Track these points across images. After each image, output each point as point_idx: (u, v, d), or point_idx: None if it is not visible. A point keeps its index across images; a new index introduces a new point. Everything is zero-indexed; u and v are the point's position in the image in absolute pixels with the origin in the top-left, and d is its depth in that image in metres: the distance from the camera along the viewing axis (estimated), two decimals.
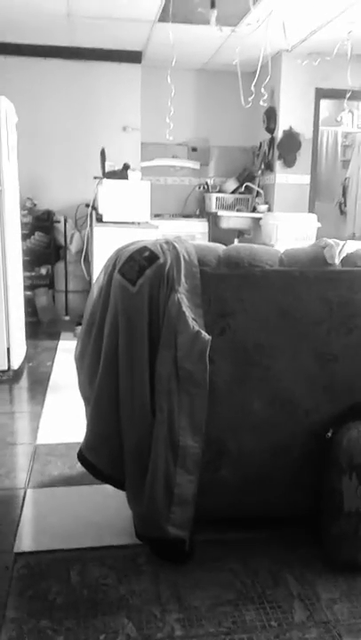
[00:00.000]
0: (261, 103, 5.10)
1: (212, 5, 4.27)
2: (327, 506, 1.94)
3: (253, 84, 4.85)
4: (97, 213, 4.79)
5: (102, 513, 2.26)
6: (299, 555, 2.01)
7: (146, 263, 1.83)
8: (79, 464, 2.12)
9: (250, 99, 4.78)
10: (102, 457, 2.02)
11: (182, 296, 1.82)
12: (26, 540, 2.09)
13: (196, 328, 1.81)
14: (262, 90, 4.85)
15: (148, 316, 1.83)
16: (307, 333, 1.94)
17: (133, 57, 5.81)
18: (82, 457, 2.07)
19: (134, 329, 1.83)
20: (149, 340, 1.84)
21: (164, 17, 4.62)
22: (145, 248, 1.87)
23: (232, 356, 1.91)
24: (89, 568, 1.92)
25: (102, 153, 4.95)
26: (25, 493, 2.41)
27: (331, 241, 1.98)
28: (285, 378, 1.95)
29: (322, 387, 1.98)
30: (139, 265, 1.83)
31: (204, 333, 1.82)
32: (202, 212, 6.45)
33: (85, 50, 5.71)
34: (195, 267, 1.86)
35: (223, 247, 1.98)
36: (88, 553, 2.00)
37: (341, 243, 1.97)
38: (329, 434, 1.95)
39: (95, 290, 2.03)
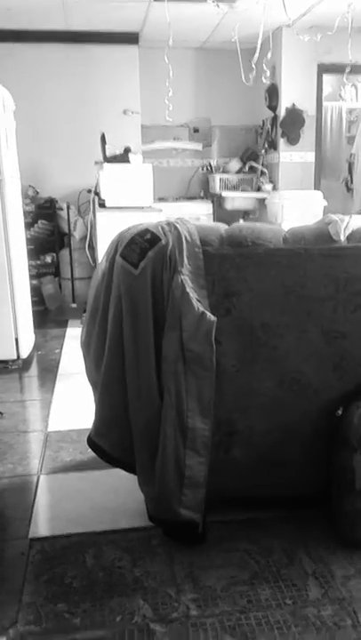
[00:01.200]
0: (263, 80, 5.01)
1: None
2: (339, 484, 1.93)
3: (254, 61, 4.77)
4: (99, 199, 4.77)
5: (115, 496, 2.28)
6: (312, 533, 2.02)
7: (147, 245, 1.82)
8: (90, 449, 2.13)
9: (251, 76, 4.71)
10: (112, 441, 2.02)
11: (186, 277, 1.80)
12: (40, 526, 2.11)
13: (201, 309, 1.80)
14: (264, 66, 4.77)
15: (151, 299, 1.81)
16: (313, 311, 1.92)
17: (130, 38, 5.72)
18: (92, 442, 2.08)
19: (138, 312, 1.82)
20: (154, 323, 1.83)
21: None
22: (146, 230, 1.85)
23: (238, 337, 1.90)
24: (104, 551, 1.93)
25: (102, 137, 4.91)
26: (38, 479, 2.42)
27: (335, 217, 1.96)
28: (293, 357, 1.94)
29: (331, 365, 1.96)
30: (140, 247, 1.82)
31: (209, 314, 1.80)
32: (206, 193, 6.39)
33: (82, 33, 5.63)
34: (197, 247, 1.85)
35: (225, 226, 1.96)
36: (102, 536, 2.02)
37: (346, 219, 1.94)
38: (339, 412, 1.94)
39: (98, 274, 2.02)
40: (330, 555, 1.91)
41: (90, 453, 2.31)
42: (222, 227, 1.94)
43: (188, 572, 1.83)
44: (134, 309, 1.82)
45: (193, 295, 1.79)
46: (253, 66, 4.75)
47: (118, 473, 2.15)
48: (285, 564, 1.87)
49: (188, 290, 1.78)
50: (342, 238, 1.91)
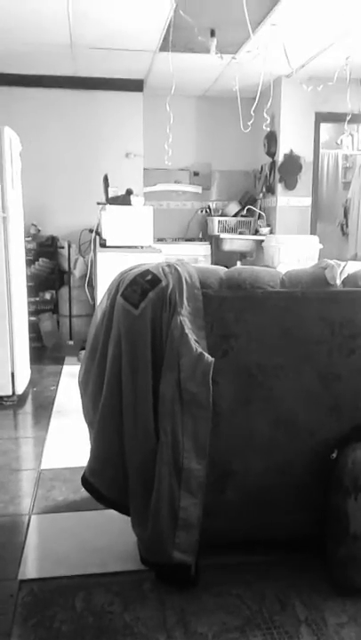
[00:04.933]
0: (264, 127, 5.17)
1: (212, 34, 4.37)
2: (333, 528, 1.91)
3: (253, 109, 4.93)
4: (100, 238, 4.84)
5: (107, 538, 2.24)
6: (305, 578, 1.99)
7: (148, 286, 1.85)
8: (83, 489, 2.11)
9: (249, 123, 4.85)
10: (106, 481, 2.01)
11: (185, 318, 1.83)
12: (30, 567, 2.07)
13: (199, 350, 1.82)
14: (264, 114, 4.92)
15: (150, 339, 1.83)
16: (309, 354, 1.94)
17: (135, 85, 5.92)
18: (86, 481, 2.06)
19: (137, 352, 1.84)
20: (152, 363, 1.84)
21: (165, 46, 4.72)
22: (147, 271, 1.89)
23: (235, 378, 1.91)
24: (94, 595, 1.90)
25: (105, 179, 5.01)
26: (29, 519, 2.39)
27: (332, 262, 2.00)
28: (289, 398, 1.95)
29: (326, 407, 1.97)
30: (141, 288, 1.85)
31: (207, 355, 1.82)
32: (204, 235, 6.50)
33: (88, 79, 5.82)
34: (197, 289, 1.88)
35: (225, 269, 1.99)
36: (93, 579, 1.98)
37: (342, 263, 1.98)
38: (334, 455, 1.94)
39: (98, 314, 2.04)
40: (323, 601, 1.88)
41: (82, 493, 2.29)
42: (222, 269, 1.98)
43: (180, 618, 1.79)
44: (133, 349, 1.83)
45: (191, 336, 1.82)
46: (253, 114, 4.91)
47: (111, 514, 2.13)
48: (278, 610, 1.84)
49: (186, 331, 1.81)
50: (338, 282, 1.94)
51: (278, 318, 1.92)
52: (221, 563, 2.05)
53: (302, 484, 2.01)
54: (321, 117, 5.95)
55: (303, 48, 4.78)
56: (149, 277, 1.86)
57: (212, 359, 1.82)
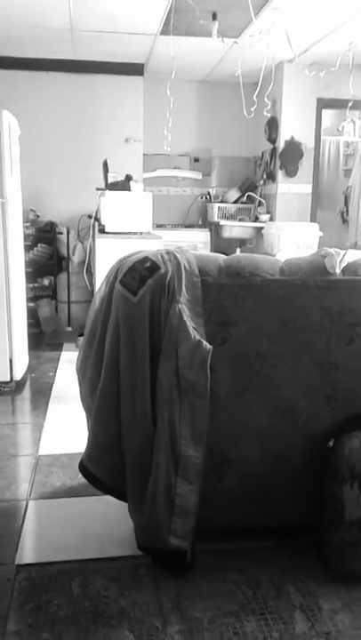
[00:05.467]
0: (265, 113, 5.12)
1: (214, 18, 4.31)
2: (328, 515, 1.92)
3: (256, 94, 4.88)
4: (99, 224, 4.81)
5: (104, 524, 2.26)
6: (301, 565, 2.00)
7: (147, 273, 1.84)
8: (81, 475, 2.12)
9: (252, 109, 4.81)
10: (103, 468, 2.01)
11: (183, 306, 1.82)
12: (27, 552, 2.09)
13: (197, 337, 1.81)
14: (265, 100, 4.88)
15: (149, 326, 1.83)
16: (308, 342, 1.94)
17: (136, 69, 5.85)
18: (83, 468, 2.07)
19: (135, 339, 1.83)
20: (151, 350, 1.84)
21: (165, 30, 4.66)
22: (146, 258, 1.88)
23: (233, 366, 1.91)
24: (90, 580, 1.91)
25: (105, 164, 4.97)
26: (27, 505, 2.40)
27: (331, 250, 1.99)
28: (287, 387, 1.95)
29: (323, 396, 1.98)
30: (140, 275, 1.84)
31: (205, 343, 1.82)
32: (204, 221, 6.47)
33: (88, 63, 5.76)
34: (196, 276, 1.87)
35: (224, 257, 1.98)
36: (89, 564, 2.00)
37: (342, 252, 1.97)
38: (330, 443, 1.95)
39: (97, 300, 2.03)
40: (318, 587, 1.89)
41: (80, 479, 2.30)
42: (221, 257, 1.97)
43: (175, 603, 1.81)
44: (131, 336, 1.83)
45: (190, 324, 1.81)
46: (255, 99, 4.86)
47: (108, 500, 2.14)
48: (273, 595, 1.85)
49: (185, 318, 1.80)
50: (338, 271, 1.93)
51: (277, 306, 1.91)
52: (217, 549, 2.07)
53: (299, 471, 2.02)
54: (323, 103, 5.90)
55: (306, 33, 4.73)
56: (148, 264, 1.85)
57: (211, 347, 1.82)
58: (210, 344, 1.83)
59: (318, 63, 5.37)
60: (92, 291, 5.31)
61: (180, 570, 1.93)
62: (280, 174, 5.94)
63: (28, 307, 4.54)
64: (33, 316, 5.45)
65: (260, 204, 6.23)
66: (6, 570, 1.96)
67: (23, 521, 2.28)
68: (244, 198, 6.30)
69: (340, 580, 1.92)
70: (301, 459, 2.01)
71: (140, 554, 2.01)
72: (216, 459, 1.96)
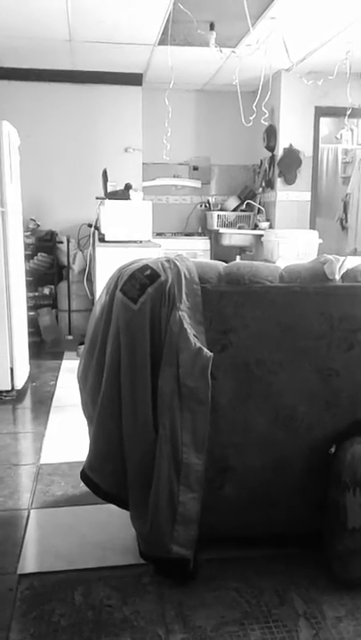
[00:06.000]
0: (263, 122, 5.15)
1: (211, 28, 4.34)
2: (331, 522, 1.92)
3: (255, 104, 4.91)
4: (99, 233, 4.83)
5: (106, 533, 2.25)
6: (304, 572, 1.99)
7: (147, 281, 1.85)
8: (82, 483, 2.12)
9: (251, 118, 4.84)
10: (105, 476, 2.01)
11: (184, 313, 1.83)
12: (30, 562, 2.08)
13: (198, 345, 1.82)
14: (263, 108, 4.91)
15: (149, 334, 1.83)
16: (308, 349, 1.94)
17: (134, 79, 5.89)
18: (85, 476, 2.07)
19: (136, 347, 1.84)
20: (151, 358, 1.84)
21: (163, 40, 4.70)
22: (146, 266, 1.89)
23: (234, 373, 1.91)
24: (93, 589, 1.91)
25: (104, 174, 5.00)
26: (29, 514, 2.40)
27: (331, 257, 2.00)
28: (287, 393, 1.95)
29: (324, 402, 1.98)
30: (140, 283, 1.85)
31: (205, 350, 1.82)
32: (203, 229, 6.49)
33: (87, 73, 5.79)
34: (196, 284, 1.88)
35: (224, 264, 1.99)
36: (92, 573, 1.99)
37: (341, 258, 1.98)
38: (332, 449, 1.95)
39: (97, 309, 2.04)
40: (321, 595, 1.89)
41: (81, 488, 2.29)
42: (221, 264, 1.98)
43: (178, 612, 1.80)
44: (132, 344, 1.83)
45: (190, 331, 1.81)
46: (254, 108, 4.89)
47: (110, 508, 2.14)
48: (276, 603, 1.84)
49: (185, 325, 1.80)
50: (337, 277, 1.94)
51: (277, 313, 1.92)
52: (220, 557, 2.06)
53: (300, 478, 2.01)
54: (321, 111, 5.93)
55: (303, 41, 4.76)
56: (148, 272, 1.86)
57: (211, 354, 1.82)
58: (210, 351, 1.83)
59: (316, 72, 5.41)
60: (93, 299, 5.31)
61: (183, 578, 1.92)
62: (279, 182, 5.96)
63: (28, 316, 4.55)
64: (33, 324, 5.45)
65: (259, 211, 6.25)
66: (9, 579, 1.95)
67: (25, 530, 2.28)
68: (244, 206, 6.33)
69: (343, 587, 1.91)
70: (303, 465, 2.01)
71: (143, 562, 2.00)
72: (217, 466, 1.96)
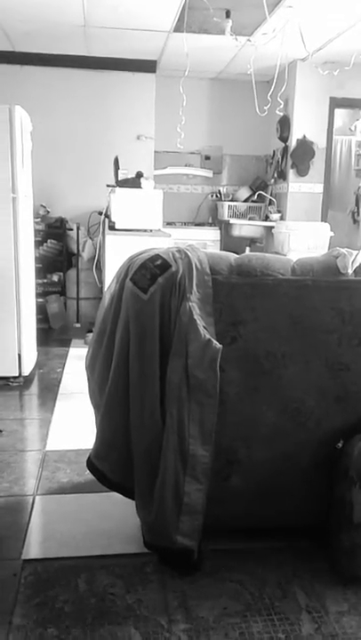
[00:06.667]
0: (278, 112, 5.10)
1: (227, 15, 4.29)
2: (337, 517, 1.91)
3: (269, 93, 4.86)
4: (109, 221, 4.81)
5: (111, 521, 2.26)
6: (308, 566, 1.99)
7: (158, 271, 1.83)
8: (88, 471, 2.12)
9: (265, 107, 4.79)
10: (112, 465, 2.01)
11: (194, 304, 1.82)
12: (34, 548, 2.09)
13: (207, 336, 1.81)
14: (278, 99, 4.86)
15: (159, 324, 1.82)
16: (318, 343, 1.93)
17: (148, 66, 5.84)
18: (91, 465, 2.07)
19: (145, 336, 1.83)
20: (160, 348, 1.83)
21: (179, 27, 4.65)
22: (157, 256, 1.87)
23: (243, 365, 1.90)
24: (97, 576, 1.91)
25: (116, 161, 4.97)
26: (34, 500, 2.41)
27: (344, 250, 1.98)
28: (296, 387, 1.94)
29: (333, 397, 1.96)
30: (151, 273, 1.84)
31: (215, 342, 1.81)
32: (214, 220, 6.46)
33: (100, 59, 5.75)
34: (207, 275, 1.86)
35: (235, 256, 1.97)
36: (96, 561, 2.00)
37: (355, 252, 1.96)
38: (339, 444, 1.94)
39: (107, 298, 2.03)
40: (324, 589, 1.88)
41: (87, 475, 2.30)
42: (232, 256, 1.96)
43: (181, 602, 1.80)
44: (141, 334, 1.83)
45: (200, 322, 1.80)
46: (269, 98, 4.84)
47: (115, 497, 2.14)
48: (279, 596, 1.84)
49: (195, 316, 1.79)
50: (350, 271, 1.92)
51: (288, 306, 1.90)
52: (224, 548, 2.06)
53: (307, 472, 2.01)
54: (336, 103, 5.86)
55: (320, 31, 4.70)
56: (159, 262, 1.85)
57: (220, 346, 1.81)
58: (220, 343, 1.82)
59: (332, 62, 5.34)
60: (102, 287, 5.31)
61: (187, 569, 1.92)
62: (291, 173, 5.91)
63: (37, 302, 4.55)
64: (42, 311, 5.46)
65: (270, 202, 6.21)
66: (13, 565, 1.96)
67: (30, 516, 2.29)
68: (255, 197, 6.28)
69: (347, 581, 1.91)
70: (310, 459, 2.00)
71: (147, 551, 2.00)
72: (224, 458, 1.95)
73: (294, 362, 1.92)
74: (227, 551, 2.05)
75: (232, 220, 6.06)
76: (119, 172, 4.91)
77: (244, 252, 4.59)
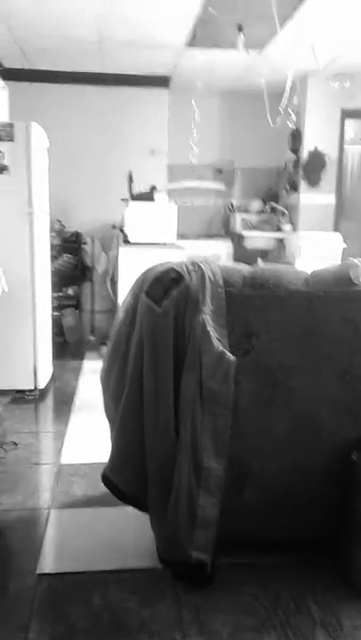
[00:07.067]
0: (289, 124, 5.12)
1: (240, 29, 4.33)
2: (351, 530, 1.90)
3: (283, 105, 4.89)
4: (123, 235, 4.85)
5: (125, 535, 2.25)
6: (321, 580, 1.97)
7: (172, 284, 1.85)
8: (102, 484, 2.12)
9: (278, 119, 4.81)
10: (126, 479, 2.02)
11: (207, 317, 1.83)
12: (49, 562, 2.09)
13: (221, 348, 1.81)
14: (289, 111, 4.88)
15: (173, 337, 1.83)
16: (331, 354, 1.92)
17: (161, 82, 5.90)
18: (106, 479, 2.07)
19: (159, 349, 1.84)
20: (175, 361, 1.84)
21: (192, 42, 4.70)
22: (171, 269, 1.89)
23: (256, 377, 1.90)
24: (111, 591, 1.91)
25: (130, 176, 5.02)
26: (48, 514, 2.41)
27: (356, 261, 1.97)
28: (309, 399, 1.93)
29: (346, 408, 1.95)
30: (165, 286, 1.85)
31: (228, 354, 1.81)
32: (227, 232, 6.47)
33: (114, 76, 5.82)
34: (220, 287, 1.87)
35: (248, 268, 1.98)
36: (110, 575, 1.99)
37: None
38: (353, 456, 1.92)
39: (122, 311, 2.05)
40: (338, 603, 1.86)
41: (101, 489, 2.30)
42: (245, 268, 1.97)
43: (195, 616, 1.79)
44: (156, 346, 1.83)
45: (213, 334, 1.81)
46: (281, 110, 4.86)
47: (129, 511, 2.14)
48: (293, 611, 1.83)
49: (208, 329, 1.80)
50: None
51: (301, 318, 1.90)
52: (238, 562, 2.05)
53: (321, 485, 1.99)
54: (347, 114, 5.88)
55: (331, 44, 4.72)
56: (173, 275, 1.86)
57: (235, 358, 1.81)
58: (233, 355, 1.82)
59: (343, 73, 5.35)
60: (116, 300, 5.34)
61: (201, 583, 1.91)
62: (303, 185, 5.92)
63: (52, 316, 4.59)
64: (57, 325, 5.50)
65: (282, 214, 6.21)
66: (28, 578, 1.97)
67: (45, 530, 2.29)
68: (267, 209, 6.30)
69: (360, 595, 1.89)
70: (323, 472, 1.98)
71: (161, 566, 2.00)
72: (237, 470, 1.94)
73: (307, 373, 1.91)
74: (240, 565, 2.04)
75: (245, 233, 6.07)
76: (133, 186, 4.95)
77: (256, 263, 4.59)
